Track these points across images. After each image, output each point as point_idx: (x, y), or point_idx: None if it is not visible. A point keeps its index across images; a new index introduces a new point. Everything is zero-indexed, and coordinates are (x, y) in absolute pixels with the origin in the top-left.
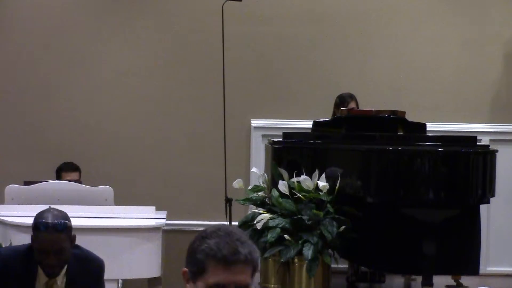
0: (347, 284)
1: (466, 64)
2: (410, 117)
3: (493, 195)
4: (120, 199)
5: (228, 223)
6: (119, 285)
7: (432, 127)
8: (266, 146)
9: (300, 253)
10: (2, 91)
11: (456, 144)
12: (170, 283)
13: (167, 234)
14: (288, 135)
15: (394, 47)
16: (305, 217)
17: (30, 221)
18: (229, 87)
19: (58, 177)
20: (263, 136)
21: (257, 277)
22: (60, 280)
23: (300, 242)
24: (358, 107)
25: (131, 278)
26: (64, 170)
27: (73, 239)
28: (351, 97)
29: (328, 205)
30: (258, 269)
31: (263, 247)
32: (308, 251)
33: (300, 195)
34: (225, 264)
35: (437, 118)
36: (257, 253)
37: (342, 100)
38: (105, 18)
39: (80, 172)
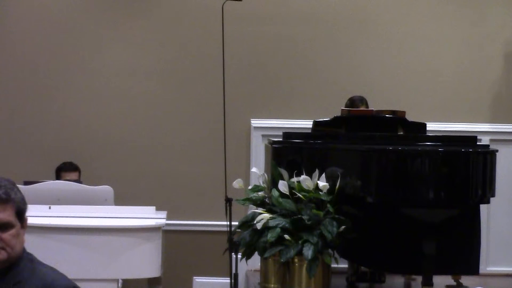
0: (347, 284)
1: (466, 64)
2: (410, 117)
3: (493, 195)
4: (120, 199)
5: (228, 223)
6: (119, 285)
7: (432, 127)
8: (266, 146)
9: (300, 253)
10: (2, 91)
11: (456, 144)
12: (170, 283)
13: (167, 234)
14: (288, 135)
15: (394, 47)
16: (305, 217)
17: (30, 221)
18: (229, 87)
19: (58, 177)
20: (263, 136)
21: (257, 277)
22: None
23: (300, 242)
24: (367, 108)
25: (131, 278)
26: (63, 170)
27: None
28: (362, 100)
29: (328, 205)
30: (24, 209)
31: (263, 247)
32: (308, 251)
33: (300, 195)
34: None
35: (437, 118)
36: (12, 194)
37: (353, 103)
38: (104, 18)
39: (79, 172)
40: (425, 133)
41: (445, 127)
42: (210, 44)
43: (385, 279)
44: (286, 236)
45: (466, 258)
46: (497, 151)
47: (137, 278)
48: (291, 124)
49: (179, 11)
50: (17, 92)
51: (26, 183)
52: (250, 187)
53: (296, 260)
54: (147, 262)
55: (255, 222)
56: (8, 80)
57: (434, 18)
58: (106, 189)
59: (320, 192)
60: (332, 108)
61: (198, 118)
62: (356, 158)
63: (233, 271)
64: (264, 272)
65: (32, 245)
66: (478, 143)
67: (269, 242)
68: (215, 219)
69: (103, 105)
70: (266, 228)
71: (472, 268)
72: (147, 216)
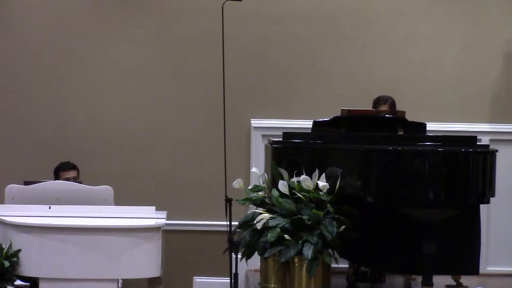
0: (347, 284)
1: (466, 64)
2: (410, 117)
3: (493, 195)
4: (120, 199)
5: (228, 223)
6: (119, 285)
7: (432, 127)
8: (266, 146)
9: (300, 253)
10: (2, 91)
11: (456, 144)
12: (170, 283)
13: (167, 234)
14: (288, 135)
15: (394, 47)
16: (305, 217)
17: (30, 221)
18: (229, 87)
19: (57, 177)
20: (263, 136)
21: (257, 277)
22: None
23: (300, 242)
24: (391, 110)
25: (131, 278)
26: (62, 169)
27: None
28: (386, 100)
29: (328, 205)
30: None
31: (263, 247)
32: (308, 251)
33: (300, 195)
34: None
35: (437, 118)
36: None
37: (375, 102)
38: (104, 18)
39: (78, 170)
40: (425, 133)
41: (445, 127)
42: (210, 44)
43: (385, 279)
44: (286, 236)
45: (466, 258)
46: (497, 151)
47: (137, 278)
48: (291, 124)
49: (179, 11)
50: (17, 92)
51: (26, 183)
52: (250, 187)
53: (296, 260)
54: (147, 262)
55: (255, 222)
56: (8, 80)
57: (434, 18)
58: (106, 189)
59: (320, 192)
60: (332, 108)
61: (198, 118)
62: (356, 158)
63: (233, 271)
64: (264, 272)
65: (32, 245)
66: (478, 143)
67: (269, 242)
68: (215, 219)
69: (103, 105)
70: (266, 228)
71: (472, 268)
72: (147, 216)
